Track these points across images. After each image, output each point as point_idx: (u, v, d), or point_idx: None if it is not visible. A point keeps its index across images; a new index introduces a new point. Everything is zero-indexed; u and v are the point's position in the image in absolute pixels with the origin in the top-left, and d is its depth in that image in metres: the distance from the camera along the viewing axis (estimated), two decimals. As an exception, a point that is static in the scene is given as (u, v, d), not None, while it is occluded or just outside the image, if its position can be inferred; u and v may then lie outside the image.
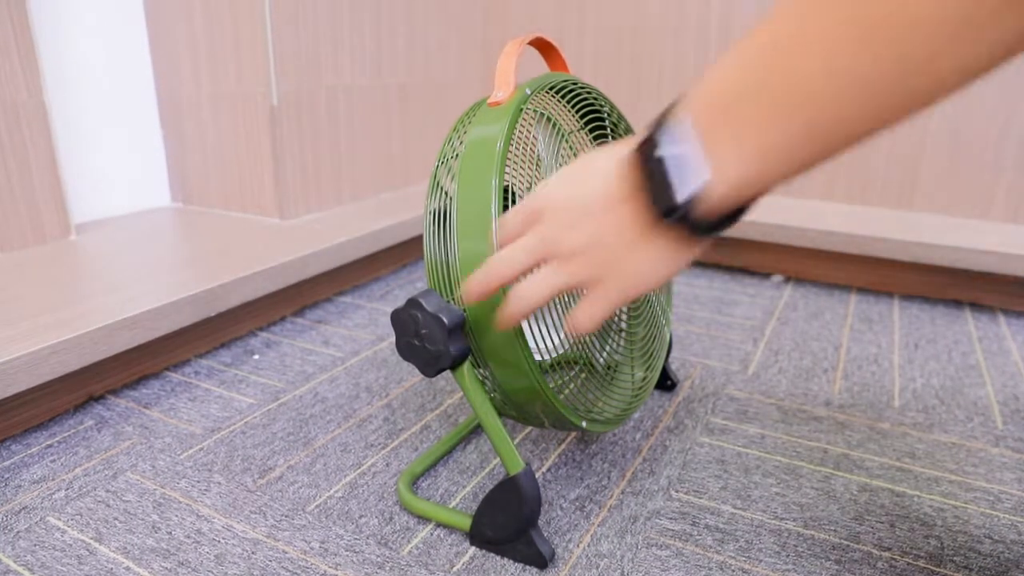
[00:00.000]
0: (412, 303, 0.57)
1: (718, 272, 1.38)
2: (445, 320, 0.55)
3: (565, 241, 0.40)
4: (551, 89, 0.66)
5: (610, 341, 0.70)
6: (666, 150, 0.34)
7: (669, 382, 0.89)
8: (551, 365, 0.69)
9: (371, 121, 1.41)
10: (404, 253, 1.39)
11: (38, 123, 1.05)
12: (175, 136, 1.35)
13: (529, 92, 0.62)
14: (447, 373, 0.95)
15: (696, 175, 0.34)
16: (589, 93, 0.70)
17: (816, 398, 0.89)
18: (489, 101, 0.62)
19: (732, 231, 1.31)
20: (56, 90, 1.17)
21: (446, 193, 0.60)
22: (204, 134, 1.31)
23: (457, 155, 0.60)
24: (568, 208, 0.40)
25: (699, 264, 1.41)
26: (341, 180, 1.37)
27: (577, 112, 0.69)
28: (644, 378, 0.73)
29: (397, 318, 0.58)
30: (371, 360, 0.98)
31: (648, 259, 0.38)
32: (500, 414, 0.60)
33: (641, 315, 0.74)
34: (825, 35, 0.29)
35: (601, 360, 0.68)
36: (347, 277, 1.25)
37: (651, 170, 0.35)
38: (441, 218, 0.59)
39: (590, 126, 0.71)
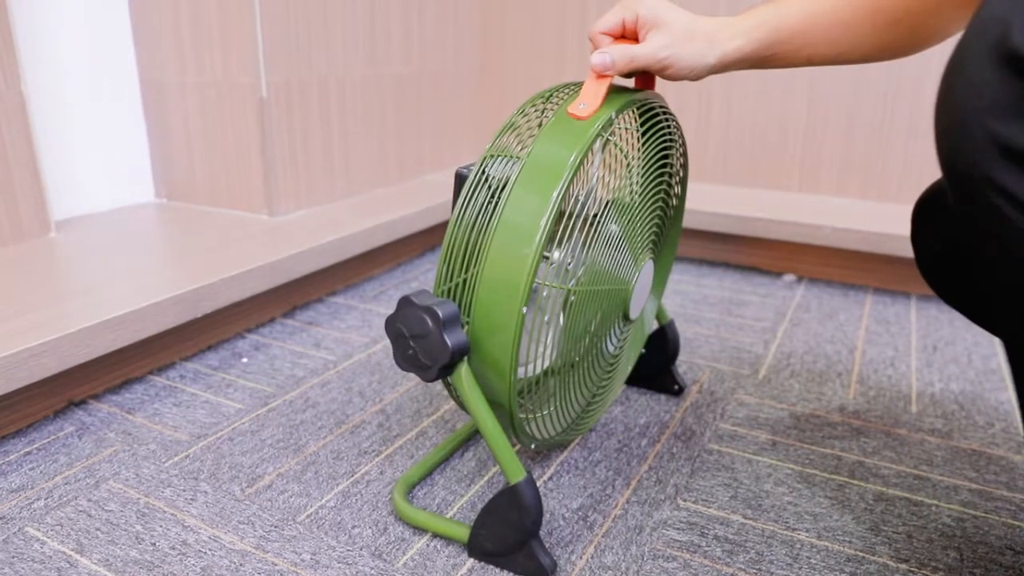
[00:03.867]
0: (403, 302, 0.57)
1: (727, 271, 1.36)
2: (439, 312, 0.55)
3: None
4: (632, 107, 0.64)
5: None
6: None
7: (676, 387, 0.88)
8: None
9: (365, 113, 1.40)
10: (399, 251, 1.37)
11: (16, 114, 1.02)
12: (159, 129, 1.33)
13: (614, 116, 0.60)
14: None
15: None
16: (668, 122, 0.68)
17: (830, 403, 0.87)
18: (569, 110, 0.60)
19: (741, 228, 1.30)
20: (35, 79, 1.15)
21: (499, 179, 0.59)
22: (189, 127, 1.29)
23: (531, 137, 0.60)
24: None
25: (708, 263, 1.40)
26: (333, 175, 1.36)
27: (646, 147, 0.67)
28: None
29: (391, 324, 0.58)
30: (364, 363, 0.97)
31: None
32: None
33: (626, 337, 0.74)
34: None
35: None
36: (339, 276, 1.23)
37: None
38: (497, 189, 0.59)
39: (656, 158, 0.69)
